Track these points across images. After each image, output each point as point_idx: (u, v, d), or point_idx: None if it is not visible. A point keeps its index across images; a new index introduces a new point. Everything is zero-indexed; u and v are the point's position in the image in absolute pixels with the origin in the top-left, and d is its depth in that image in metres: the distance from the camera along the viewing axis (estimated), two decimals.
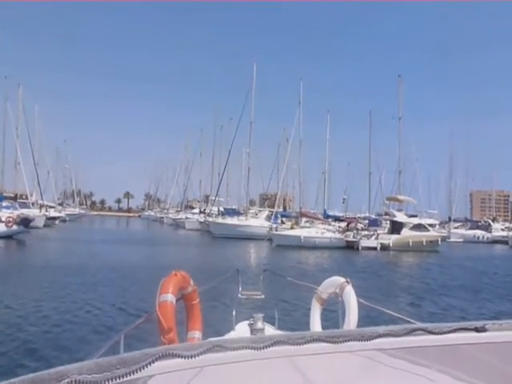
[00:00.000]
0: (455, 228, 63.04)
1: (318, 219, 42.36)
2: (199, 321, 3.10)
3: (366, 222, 44.51)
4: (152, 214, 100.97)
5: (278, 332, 2.92)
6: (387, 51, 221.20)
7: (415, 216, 42.18)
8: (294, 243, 34.06)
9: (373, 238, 37.95)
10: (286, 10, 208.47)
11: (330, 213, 50.17)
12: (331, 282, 3.32)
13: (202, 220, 52.34)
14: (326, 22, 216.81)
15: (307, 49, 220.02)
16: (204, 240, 41.97)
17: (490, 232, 64.57)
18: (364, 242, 36.48)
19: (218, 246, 35.03)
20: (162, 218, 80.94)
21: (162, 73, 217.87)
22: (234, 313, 3.21)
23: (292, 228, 41.35)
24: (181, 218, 65.33)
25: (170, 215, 78.33)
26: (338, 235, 37.76)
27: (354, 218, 46.84)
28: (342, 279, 3.19)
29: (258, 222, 45.30)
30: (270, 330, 2.94)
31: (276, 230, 38.45)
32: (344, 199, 58.38)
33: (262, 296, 3.49)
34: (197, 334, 3.00)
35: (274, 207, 49.29)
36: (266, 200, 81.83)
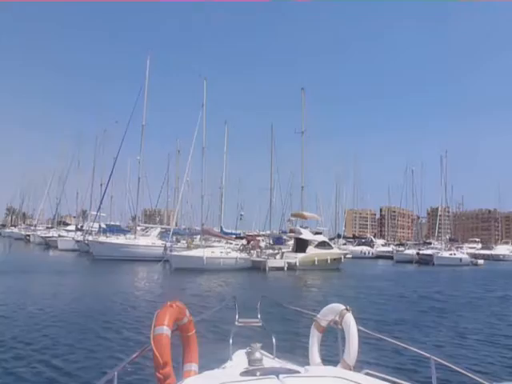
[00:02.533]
0: (343, 245, 63.92)
1: (223, 237, 37.94)
2: (195, 352, 2.99)
3: (271, 239, 41.44)
4: (15, 230, 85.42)
5: (277, 361, 2.92)
6: (292, 64, 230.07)
7: (320, 233, 40.28)
8: (195, 265, 29.00)
9: (278, 256, 34.86)
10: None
11: (227, 230, 46.17)
12: (330, 309, 3.19)
13: (80, 239, 44.02)
14: (227, 26, 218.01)
15: (209, 55, 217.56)
16: (82, 263, 34.14)
17: (373, 247, 67.34)
18: (271, 262, 33.01)
19: (101, 271, 28.09)
20: (29, 235, 67.94)
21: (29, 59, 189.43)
22: (231, 341, 3.07)
23: (189, 247, 36.21)
24: (52, 236, 54.74)
25: (39, 233, 66.13)
26: (243, 255, 33.71)
27: (255, 236, 43.39)
28: (341, 306, 3.07)
29: (149, 240, 39.04)
30: (268, 359, 2.89)
31: (171, 251, 32.91)
32: (241, 215, 54.96)
33: (260, 323, 3.35)
34: (193, 367, 2.90)
35: (162, 224, 43.40)
36: (151, 216, 75.10)
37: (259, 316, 3.45)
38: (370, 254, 62.60)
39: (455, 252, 55.90)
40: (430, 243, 64.53)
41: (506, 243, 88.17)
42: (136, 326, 10.97)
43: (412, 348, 2.64)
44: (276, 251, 36.02)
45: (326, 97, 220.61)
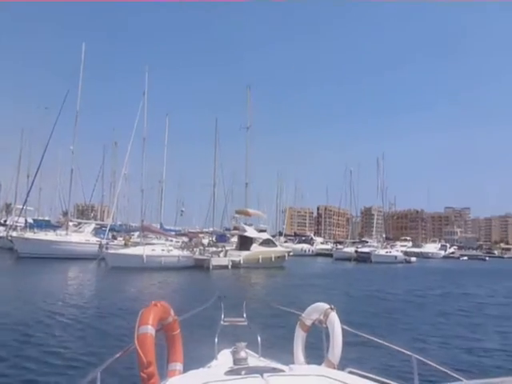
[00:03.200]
0: (284, 242, 64.18)
1: (164, 234, 36.02)
2: (180, 352, 2.95)
3: (214, 236, 40.10)
4: None
5: (262, 360, 2.91)
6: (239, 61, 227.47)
7: (264, 231, 39.63)
8: (134, 264, 27.05)
9: (222, 254, 33.76)
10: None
11: (167, 226, 44.21)
12: (315, 308, 3.18)
13: (2, 235, 39.90)
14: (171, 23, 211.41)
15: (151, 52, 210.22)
16: (3, 262, 30.71)
17: (313, 245, 68.38)
18: (215, 260, 31.79)
19: (25, 271, 25.04)
20: None
21: None
22: (216, 341, 3.05)
23: (126, 245, 34.01)
24: None
25: None
26: (186, 253, 32.13)
27: (198, 233, 41.88)
28: (326, 305, 3.06)
29: (82, 237, 36.09)
30: (254, 358, 2.89)
31: (107, 249, 30.61)
32: (182, 211, 52.97)
33: (246, 323, 3.33)
34: (178, 366, 2.88)
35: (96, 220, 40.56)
36: (84, 211, 70.82)
37: (245, 315, 3.44)
38: (310, 252, 63.39)
39: (391, 250, 58.08)
40: (367, 241, 66.62)
41: (434, 242, 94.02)
42: (63, 340, 9.31)
43: (394, 346, 2.68)
44: (219, 249, 34.88)
45: (272, 94, 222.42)
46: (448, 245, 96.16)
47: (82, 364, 7.35)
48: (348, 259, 52.25)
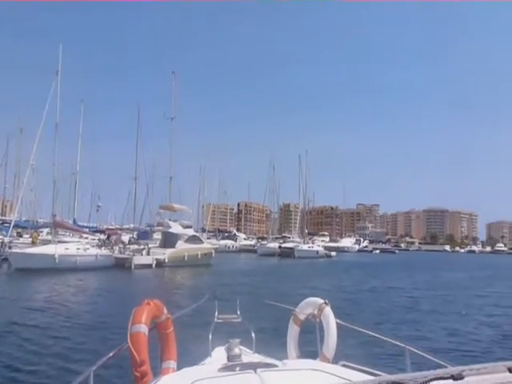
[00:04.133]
0: (208, 239, 62.70)
1: (80, 231, 32.59)
2: (174, 350, 2.98)
3: (135, 233, 37.35)
4: None
5: (256, 356, 2.90)
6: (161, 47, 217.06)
7: (190, 227, 37.79)
8: (44, 265, 23.84)
9: (144, 252, 31.43)
10: None
11: (80, 223, 40.43)
12: (309, 302, 3.16)
13: None
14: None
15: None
16: None
17: (236, 241, 67.76)
18: (137, 259, 29.43)
19: None
20: None
21: None
22: (210, 338, 3.03)
23: (34, 243, 30.25)
24: None
25: None
26: (105, 251, 29.29)
27: (117, 230, 38.81)
28: (320, 300, 3.04)
29: None
30: (248, 355, 2.87)
31: (10, 248, 26.88)
32: (98, 206, 48.95)
33: (239, 319, 3.35)
34: (171, 364, 2.91)
35: None
36: None
37: (238, 312, 3.42)
38: (234, 248, 62.67)
39: (312, 245, 59.38)
40: (289, 237, 67.54)
41: (349, 236, 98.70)
42: None
43: (387, 339, 2.68)
44: (142, 247, 32.45)
45: (197, 88, 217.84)
46: (362, 239, 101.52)
47: None
48: (272, 255, 52.33)
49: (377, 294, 20.31)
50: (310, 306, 3.18)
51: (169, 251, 32.20)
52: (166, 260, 31.22)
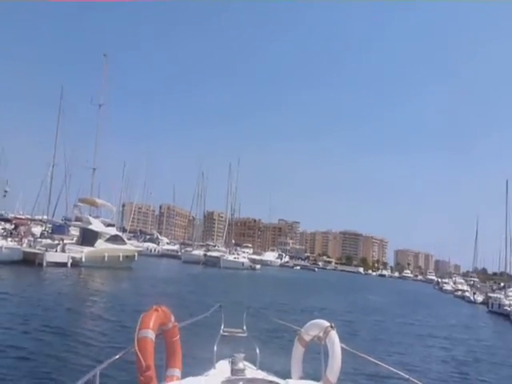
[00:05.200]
0: (128, 239, 58.95)
1: None
2: (179, 358, 2.95)
3: (50, 226, 33.32)
4: None
5: (259, 372, 2.93)
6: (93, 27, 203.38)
7: (113, 225, 34.63)
8: None
9: (59, 248, 28.00)
10: None
11: None
12: (315, 324, 3.11)
13: None
14: None
15: None
16: None
17: (158, 245, 64.59)
18: (50, 256, 26.05)
19: None
20: None
21: None
22: (215, 350, 3.06)
23: None
24: None
25: None
26: (11, 243, 25.52)
27: (27, 220, 34.49)
28: (326, 323, 3.00)
29: None
30: (251, 370, 2.88)
31: None
32: (6, 192, 43.38)
33: (245, 334, 3.36)
34: (176, 372, 2.88)
35: None
36: None
37: (245, 327, 3.40)
38: (156, 252, 59.54)
39: (238, 256, 58.24)
40: (214, 245, 65.82)
41: (273, 250, 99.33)
42: None
43: (392, 368, 2.70)
44: (56, 242, 28.90)
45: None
46: (284, 254, 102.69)
47: None
48: (196, 262, 50.26)
49: (314, 317, 19.45)
50: (315, 327, 3.10)
51: (87, 250, 29.03)
52: (84, 259, 28.07)
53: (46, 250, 26.29)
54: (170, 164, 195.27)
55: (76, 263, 27.30)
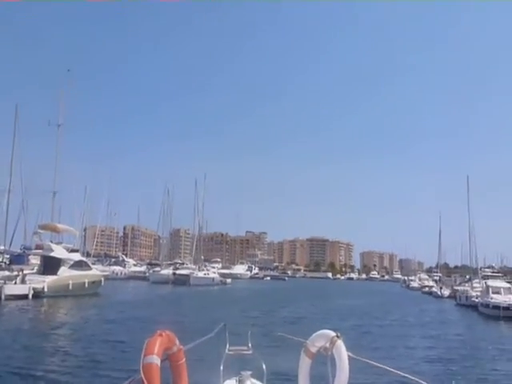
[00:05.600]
0: (93, 264, 56.62)
1: None
2: (185, 381, 2.93)
3: (7, 256, 31.33)
4: None
5: None
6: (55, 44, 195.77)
7: (76, 251, 33.05)
8: None
9: (18, 280, 26.35)
10: None
11: None
12: (321, 335, 3.03)
13: None
14: None
15: None
16: None
17: (125, 267, 62.52)
18: (9, 289, 24.40)
19: None
20: None
21: None
22: (221, 369, 3.06)
23: None
24: None
25: None
26: None
27: None
28: (332, 333, 2.92)
29: None
30: None
31: None
32: None
33: (250, 351, 3.37)
34: None
35: None
36: None
37: (250, 344, 3.41)
38: (123, 275, 57.43)
39: (208, 272, 57.20)
40: (183, 263, 64.43)
41: (242, 263, 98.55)
42: None
43: (405, 374, 2.55)
44: (15, 273, 27.19)
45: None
46: (253, 266, 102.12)
47: None
48: (165, 282, 48.94)
49: (296, 326, 19.04)
50: (321, 338, 3.04)
51: (49, 279, 27.45)
52: (46, 289, 26.48)
53: (5, 283, 24.62)
54: (134, 184, 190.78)
55: (38, 294, 25.71)
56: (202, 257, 65.07)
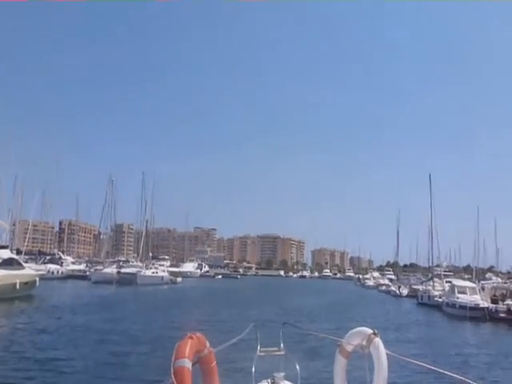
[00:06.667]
0: (25, 262, 52.39)
1: None
2: None
3: None
4: None
5: None
6: None
7: (5, 247, 29.79)
8: None
9: None
10: None
11: None
12: (357, 333, 2.96)
13: None
14: None
15: None
16: None
17: (62, 265, 58.59)
18: None
19: None
20: None
21: None
22: (253, 371, 3.00)
23: None
24: None
25: None
26: None
27: None
28: (369, 330, 2.85)
29: None
30: None
31: None
32: None
33: (283, 352, 3.29)
34: None
35: None
36: None
37: (282, 344, 3.35)
38: (60, 274, 53.65)
39: (157, 271, 54.80)
40: (129, 261, 61.40)
41: (192, 261, 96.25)
42: None
43: (453, 374, 2.39)
44: None
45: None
46: (203, 264, 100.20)
47: None
48: (109, 282, 46.00)
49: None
50: (357, 336, 2.91)
51: None
52: None
53: None
54: (75, 177, 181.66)
55: None
56: (151, 254, 62.36)
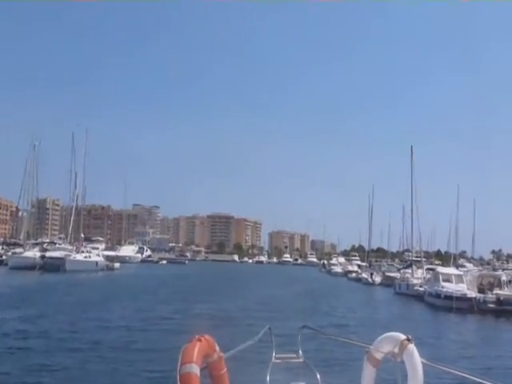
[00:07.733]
0: None
1: None
2: None
3: None
4: None
5: None
6: None
7: None
8: None
9: None
10: None
11: None
12: (388, 338, 2.96)
13: None
14: None
15: None
16: None
17: None
18: None
19: None
20: None
21: None
22: (267, 380, 3.02)
23: None
24: None
25: None
26: None
27: None
28: (402, 336, 2.83)
29: None
30: None
31: None
32: None
33: (301, 359, 3.33)
34: None
35: None
36: None
37: (300, 351, 3.38)
38: None
39: (90, 255, 52.60)
40: (56, 243, 58.60)
41: (131, 243, 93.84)
42: None
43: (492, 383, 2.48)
44: None
45: None
46: (145, 247, 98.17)
47: None
48: (31, 268, 43.78)
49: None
50: (388, 342, 2.90)
51: None
52: None
53: None
54: None
55: None
56: (83, 235, 59.75)
